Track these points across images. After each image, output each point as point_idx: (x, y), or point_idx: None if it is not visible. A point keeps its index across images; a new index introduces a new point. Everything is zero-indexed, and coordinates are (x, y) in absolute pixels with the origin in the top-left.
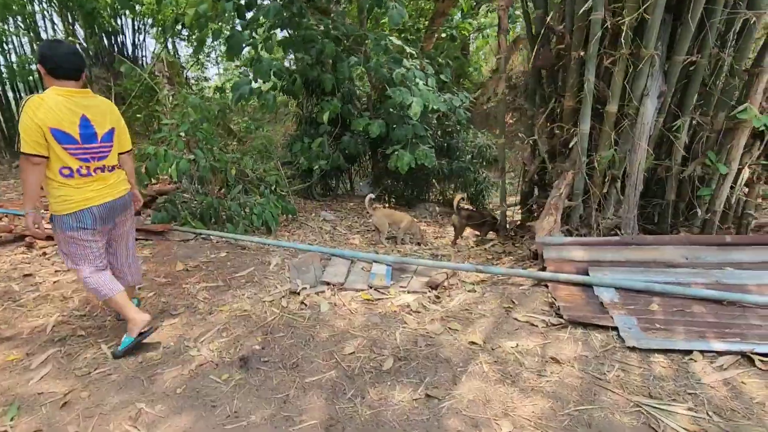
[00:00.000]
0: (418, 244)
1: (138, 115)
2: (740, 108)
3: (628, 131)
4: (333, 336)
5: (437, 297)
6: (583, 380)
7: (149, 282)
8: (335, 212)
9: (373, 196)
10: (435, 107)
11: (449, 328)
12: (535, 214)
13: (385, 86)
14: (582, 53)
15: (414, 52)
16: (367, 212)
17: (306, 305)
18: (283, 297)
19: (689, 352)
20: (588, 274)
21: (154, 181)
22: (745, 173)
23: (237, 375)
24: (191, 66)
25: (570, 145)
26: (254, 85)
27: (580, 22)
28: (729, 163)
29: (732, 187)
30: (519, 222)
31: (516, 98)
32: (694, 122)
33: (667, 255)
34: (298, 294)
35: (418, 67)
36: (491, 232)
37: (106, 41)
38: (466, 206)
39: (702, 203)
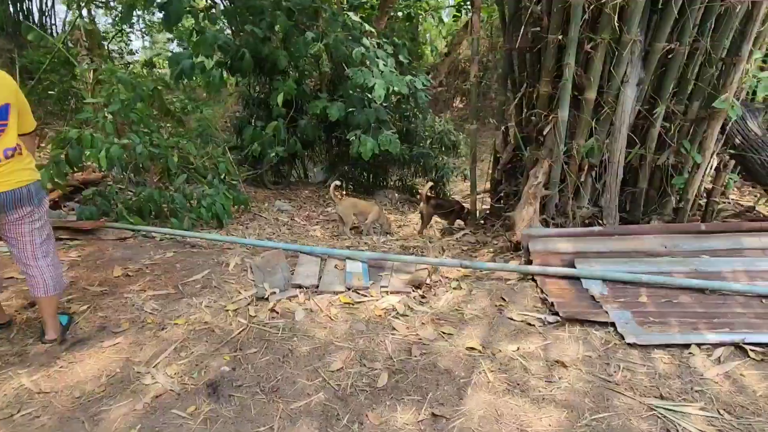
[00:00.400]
0: (386, 233)
1: (50, 92)
2: (723, 97)
3: (606, 119)
4: (315, 349)
5: (423, 297)
6: (592, 384)
7: (80, 292)
8: (290, 201)
9: (338, 183)
10: (396, 89)
11: (442, 333)
12: (503, 203)
13: (339, 65)
14: (560, 37)
15: (373, 30)
16: (330, 201)
17: (278, 313)
18: (250, 304)
19: (687, 345)
20: (574, 266)
21: (75, 170)
22: (714, 162)
23: (206, 406)
24: (113, 37)
25: (545, 133)
26: (197, 59)
27: (560, 4)
28: (703, 152)
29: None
30: (489, 210)
31: (464, 83)
32: (669, 111)
33: (647, 244)
34: (267, 300)
35: (376, 46)
36: (458, 221)
37: (10, 7)
38: (431, 194)
39: (674, 192)
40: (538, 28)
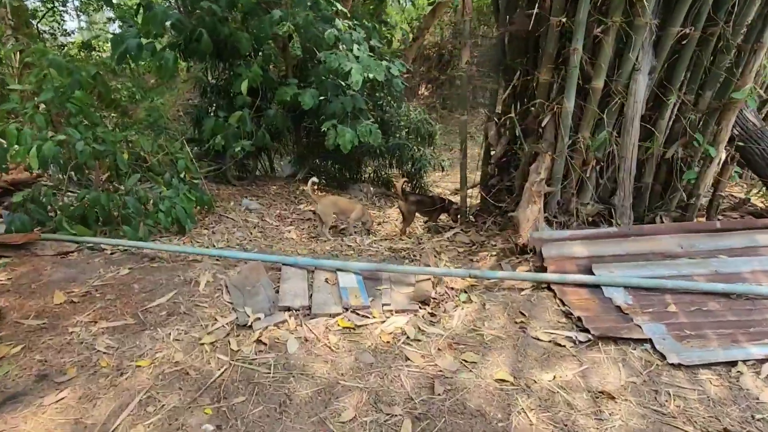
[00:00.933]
0: (368, 231)
1: None
2: (746, 87)
3: (615, 110)
4: (318, 392)
5: (432, 315)
6: (647, 419)
7: (11, 328)
8: (258, 199)
9: (315, 180)
10: (371, 76)
11: (464, 362)
12: (494, 198)
13: (307, 49)
14: (565, 20)
15: (346, 11)
16: (303, 197)
17: (265, 345)
18: (230, 335)
19: (732, 362)
20: (592, 272)
21: None
22: (722, 155)
23: None
24: (43, 16)
25: (544, 124)
26: (145, 40)
27: None
28: (717, 144)
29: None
30: (479, 207)
31: (430, 69)
32: (679, 101)
33: (663, 245)
34: (250, 328)
35: (349, 28)
36: (441, 217)
37: None
38: (406, 188)
39: (684, 187)
40: (538, 10)
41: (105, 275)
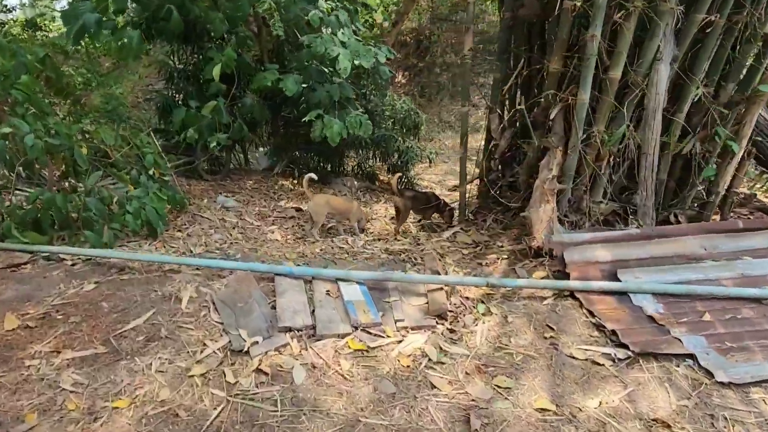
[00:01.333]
0: (362, 230)
1: None
2: None
3: (633, 102)
4: None
5: (451, 331)
6: None
7: None
8: (234, 195)
9: (314, 176)
10: (357, 62)
11: (498, 388)
12: (493, 195)
13: (286, 32)
14: (580, 3)
15: None
16: (282, 193)
17: (267, 374)
18: (224, 363)
19: None
20: (617, 277)
21: None
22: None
23: None
24: None
25: (552, 116)
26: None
27: None
28: (740, 140)
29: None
30: (478, 204)
31: (408, 56)
32: (699, 93)
33: (687, 247)
34: (247, 354)
35: (332, 10)
36: (434, 216)
37: None
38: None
39: (701, 183)
40: None
41: (66, 292)
